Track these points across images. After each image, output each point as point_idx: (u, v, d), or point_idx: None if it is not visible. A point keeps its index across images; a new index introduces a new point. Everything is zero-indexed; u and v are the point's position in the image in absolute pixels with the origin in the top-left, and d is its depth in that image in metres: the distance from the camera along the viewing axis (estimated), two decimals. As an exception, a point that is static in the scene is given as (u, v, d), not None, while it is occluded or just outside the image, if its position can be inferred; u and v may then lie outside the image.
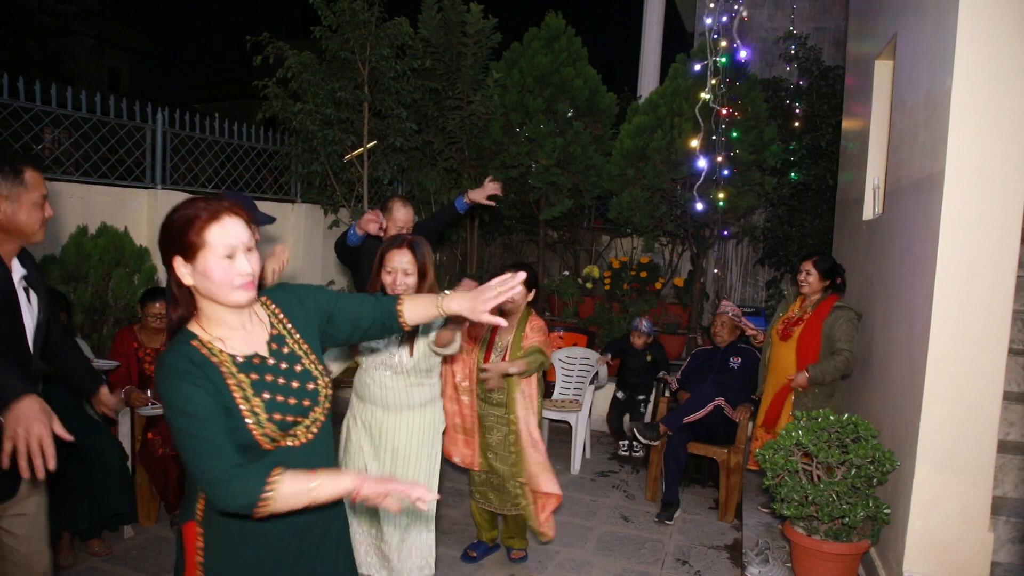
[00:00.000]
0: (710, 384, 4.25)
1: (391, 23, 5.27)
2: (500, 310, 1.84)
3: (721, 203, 5.72)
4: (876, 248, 3.75)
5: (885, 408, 3.28)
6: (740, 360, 4.36)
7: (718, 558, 3.64)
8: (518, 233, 7.41)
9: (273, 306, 1.59)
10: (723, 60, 5.54)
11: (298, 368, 1.54)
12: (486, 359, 3.25)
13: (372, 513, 2.73)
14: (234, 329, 1.50)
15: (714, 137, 5.60)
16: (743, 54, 5.85)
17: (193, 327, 1.47)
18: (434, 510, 2.85)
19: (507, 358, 3.24)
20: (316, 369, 1.56)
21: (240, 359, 1.47)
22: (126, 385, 3.45)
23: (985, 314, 2.62)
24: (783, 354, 3.80)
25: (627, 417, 5.18)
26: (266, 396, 1.46)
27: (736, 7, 5.78)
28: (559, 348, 5.45)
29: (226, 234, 1.41)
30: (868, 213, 4.09)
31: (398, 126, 5.53)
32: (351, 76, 5.31)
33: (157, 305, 3.47)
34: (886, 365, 3.35)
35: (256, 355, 1.50)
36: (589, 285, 6.79)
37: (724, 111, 5.58)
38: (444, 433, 3.01)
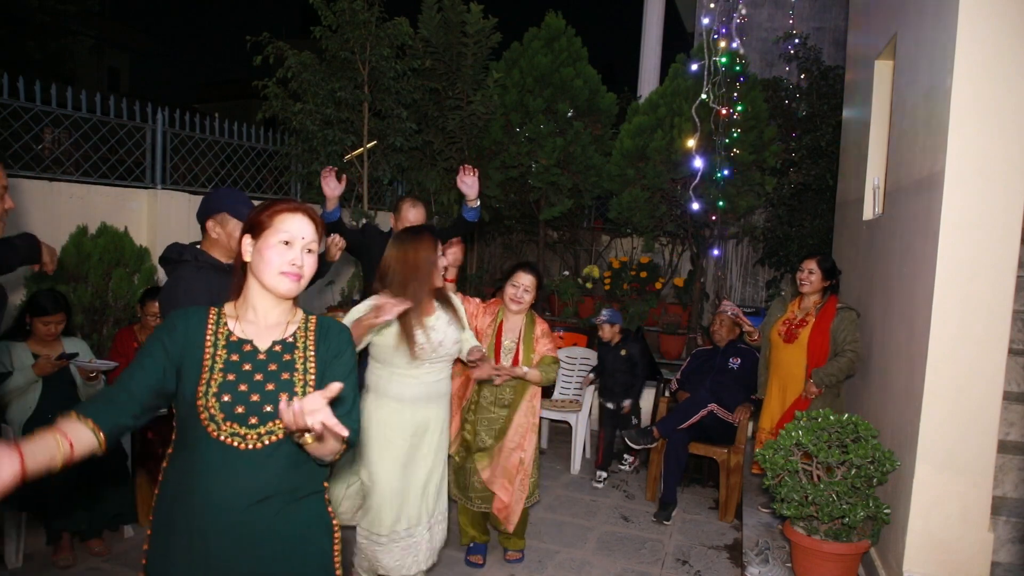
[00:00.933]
0: (705, 390, 4.25)
1: (391, 23, 5.27)
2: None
3: (721, 203, 5.71)
4: (876, 248, 3.75)
5: (885, 408, 3.28)
6: (740, 361, 4.36)
7: (718, 558, 3.64)
8: (518, 233, 7.41)
9: (312, 326, 1.63)
10: (723, 60, 5.54)
11: (284, 376, 1.54)
12: (496, 361, 3.24)
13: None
14: (259, 318, 1.57)
15: (714, 137, 5.60)
16: (741, 51, 5.84)
17: (228, 304, 1.60)
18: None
19: (519, 359, 3.25)
20: (303, 390, 1.54)
21: (234, 339, 1.53)
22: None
23: (985, 314, 2.62)
24: (790, 357, 3.77)
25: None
26: (230, 378, 1.49)
27: (736, 7, 5.78)
28: (559, 348, 5.45)
29: (291, 224, 1.53)
30: (868, 213, 4.08)
31: (398, 126, 5.53)
32: (351, 76, 5.31)
33: (156, 305, 3.47)
34: (886, 365, 3.35)
35: (251, 343, 1.54)
36: (589, 285, 6.79)
37: (724, 111, 5.58)
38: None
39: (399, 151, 5.68)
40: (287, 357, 1.56)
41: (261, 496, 1.48)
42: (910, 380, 2.90)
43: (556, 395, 5.20)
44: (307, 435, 1.31)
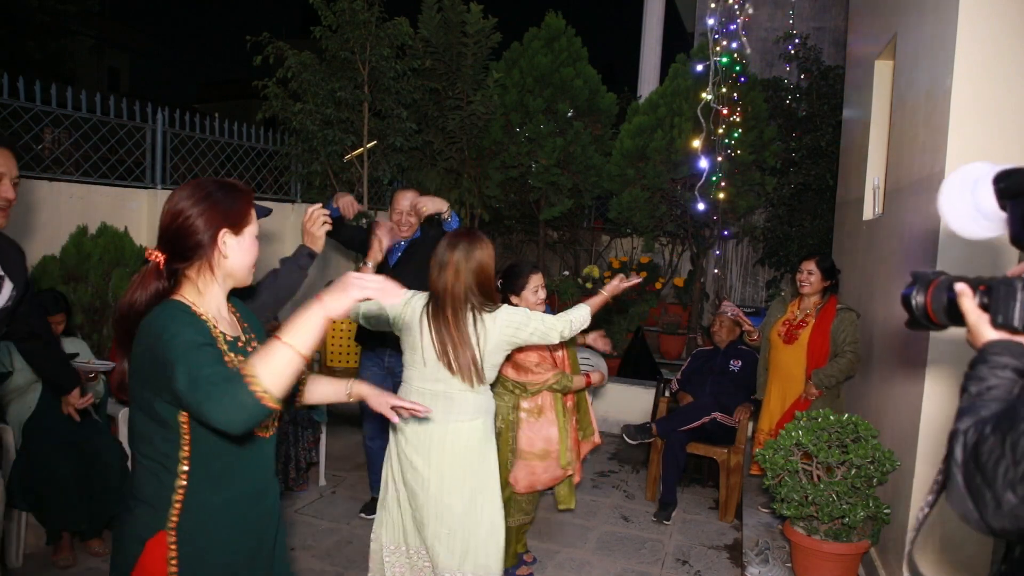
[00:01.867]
0: (708, 396, 4.24)
1: (391, 23, 5.27)
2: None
3: (720, 203, 5.72)
4: (876, 248, 3.75)
5: (885, 408, 3.28)
6: (740, 363, 4.36)
7: (718, 558, 3.64)
8: (518, 233, 7.42)
9: (231, 306, 1.63)
10: (724, 60, 5.54)
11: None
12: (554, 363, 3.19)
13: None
14: (220, 310, 1.53)
15: (713, 138, 5.60)
16: (747, 52, 5.84)
17: (181, 301, 1.44)
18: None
19: (566, 357, 3.21)
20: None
21: (229, 338, 1.50)
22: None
23: (985, 314, 2.62)
24: (789, 358, 3.77)
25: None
26: None
27: (737, 7, 5.78)
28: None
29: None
30: (868, 213, 4.08)
31: (398, 126, 5.53)
32: (351, 76, 5.30)
33: None
34: (886, 365, 3.35)
35: (239, 338, 1.55)
36: (589, 285, 6.79)
37: (724, 111, 5.58)
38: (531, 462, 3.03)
39: (399, 151, 5.68)
40: (252, 336, 1.60)
41: (272, 476, 1.61)
42: (910, 380, 2.90)
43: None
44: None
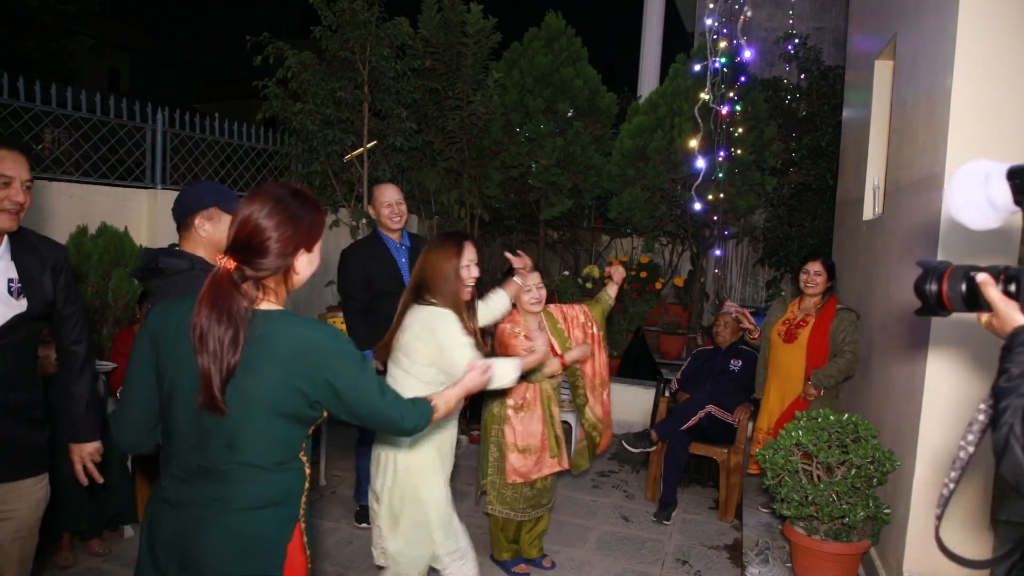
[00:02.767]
0: (703, 393, 4.24)
1: (391, 23, 5.27)
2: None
3: (719, 202, 5.72)
4: (876, 248, 3.75)
5: (885, 408, 3.28)
6: (741, 363, 4.36)
7: (718, 558, 3.64)
8: (518, 233, 7.41)
9: None
10: (723, 60, 5.54)
11: None
12: (563, 364, 3.27)
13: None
14: None
15: (713, 138, 5.60)
16: (747, 54, 5.84)
17: (280, 309, 1.52)
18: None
19: (558, 352, 3.27)
20: None
21: None
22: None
23: (985, 314, 2.62)
24: (789, 357, 3.77)
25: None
26: None
27: (736, 7, 5.78)
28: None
29: None
30: (868, 213, 4.08)
31: (398, 126, 5.53)
32: (351, 76, 5.30)
33: None
34: (886, 365, 3.35)
35: None
36: (589, 285, 6.79)
37: (724, 111, 5.58)
38: (525, 456, 3.13)
39: (399, 151, 5.68)
40: None
41: None
42: (910, 380, 2.90)
43: (556, 395, 5.19)
44: None
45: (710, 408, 4.13)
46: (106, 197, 4.31)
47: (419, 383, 2.37)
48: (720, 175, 5.63)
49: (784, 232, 6.60)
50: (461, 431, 4.18)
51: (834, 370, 3.57)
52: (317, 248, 1.53)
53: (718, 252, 6.61)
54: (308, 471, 1.52)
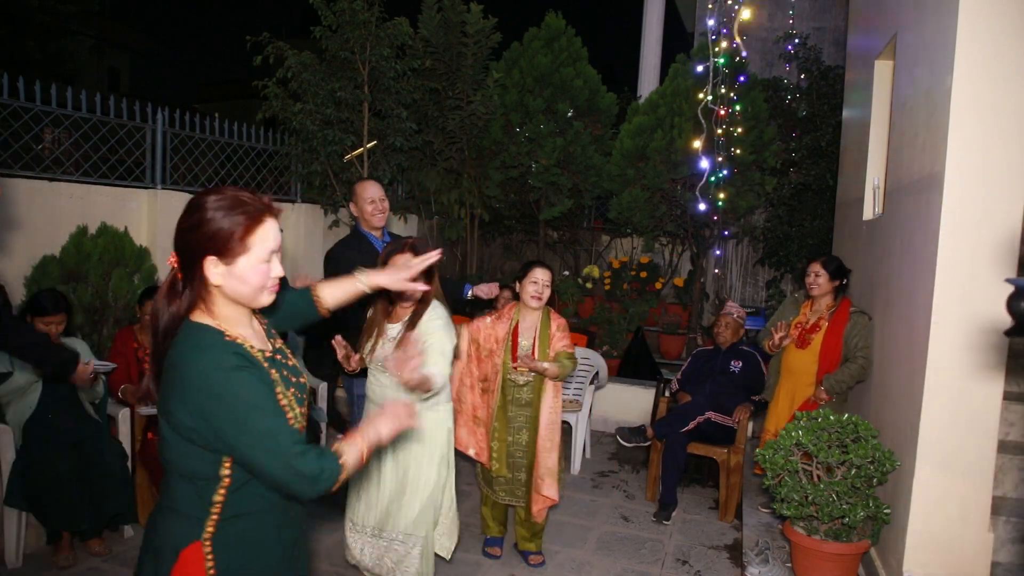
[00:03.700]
0: (703, 396, 4.24)
1: (391, 23, 5.27)
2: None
3: (721, 203, 5.72)
4: (876, 248, 3.74)
5: (885, 408, 3.28)
6: (741, 364, 4.35)
7: (718, 558, 3.64)
8: (518, 233, 7.42)
9: (261, 317, 1.61)
10: (722, 61, 5.54)
11: (290, 362, 1.56)
12: (513, 361, 3.30)
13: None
14: (247, 327, 1.47)
15: (714, 137, 5.60)
16: (744, 54, 5.84)
17: (208, 324, 1.39)
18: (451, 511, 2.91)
19: (535, 356, 3.28)
20: (298, 361, 1.59)
21: (267, 354, 1.47)
22: (125, 384, 3.47)
23: (985, 314, 2.62)
24: (801, 362, 3.75)
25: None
26: (292, 389, 1.49)
27: (736, 7, 5.78)
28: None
29: (268, 238, 1.39)
30: (868, 213, 4.08)
31: (398, 126, 5.53)
32: (351, 76, 5.31)
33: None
34: (886, 365, 3.35)
35: (270, 350, 1.51)
36: (589, 285, 6.79)
37: (723, 111, 5.58)
38: (459, 425, 3.12)
39: (399, 151, 5.68)
40: (277, 343, 1.57)
41: None
42: (910, 380, 2.90)
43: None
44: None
45: (710, 414, 4.13)
46: (106, 197, 4.31)
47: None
48: (720, 175, 5.63)
49: (784, 232, 6.60)
50: None
51: (846, 375, 3.56)
52: (245, 259, 1.36)
53: (718, 252, 6.61)
54: (220, 497, 1.38)
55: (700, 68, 5.72)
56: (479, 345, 3.39)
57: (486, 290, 3.68)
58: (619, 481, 4.69)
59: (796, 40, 6.85)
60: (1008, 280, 1.18)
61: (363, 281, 1.81)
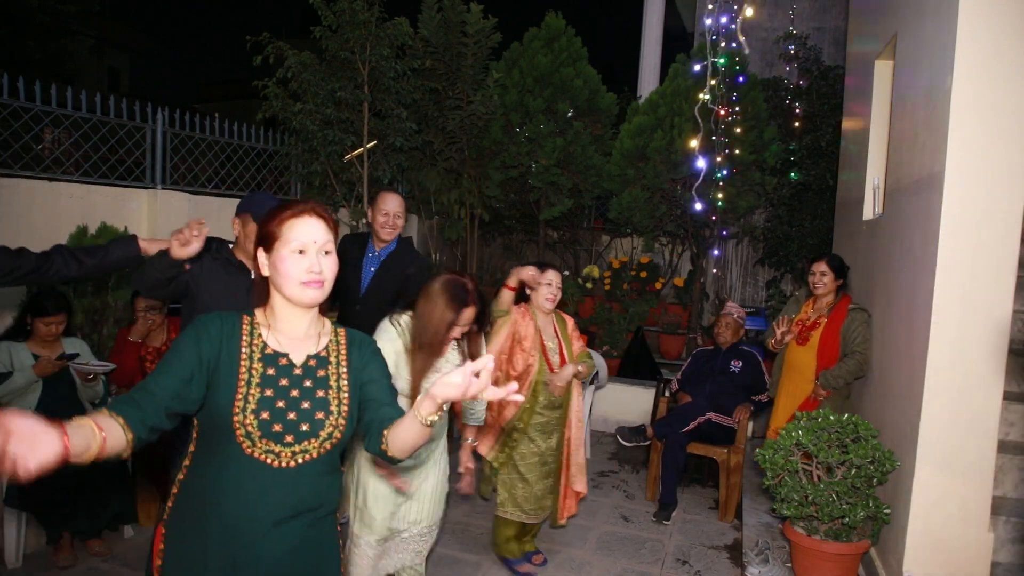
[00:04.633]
0: (703, 396, 4.24)
1: (391, 23, 5.26)
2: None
3: (720, 203, 5.72)
4: (876, 248, 3.75)
5: (885, 408, 3.28)
6: (741, 364, 4.35)
7: (718, 558, 3.64)
8: (518, 233, 7.42)
9: (342, 338, 1.59)
10: (721, 61, 5.54)
11: (320, 394, 1.50)
12: (547, 364, 3.28)
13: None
14: (288, 329, 1.53)
15: (714, 137, 5.60)
16: (746, 52, 5.84)
17: (256, 311, 1.55)
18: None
19: (565, 357, 3.32)
20: (338, 408, 1.51)
21: (269, 351, 1.49)
22: (126, 385, 3.47)
23: (985, 314, 2.62)
24: (802, 358, 3.76)
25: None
26: (268, 393, 1.45)
27: (736, 7, 5.78)
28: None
29: (301, 230, 1.47)
30: (868, 213, 4.08)
31: (398, 126, 5.52)
32: (351, 76, 5.30)
33: (144, 301, 3.52)
34: (886, 365, 3.35)
35: (287, 356, 1.50)
36: (589, 285, 6.79)
37: (723, 111, 5.58)
38: (482, 432, 3.16)
39: (399, 151, 5.67)
40: (321, 373, 1.52)
41: (290, 513, 1.46)
42: (910, 380, 2.90)
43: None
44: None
45: (710, 416, 4.13)
46: (106, 197, 4.30)
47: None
48: (720, 175, 5.63)
49: (784, 232, 6.59)
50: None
51: (843, 371, 3.56)
52: (278, 254, 1.46)
53: (718, 252, 6.61)
54: (181, 476, 1.51)
55: (697, 68, 5.72)
56: (518, 337, 3.29)
57: (531, 273, 3.32)
58: (619, 481, 4.69)
59: (796, 40, 6.84)
60: None
61: (425, 419, 1.38)
